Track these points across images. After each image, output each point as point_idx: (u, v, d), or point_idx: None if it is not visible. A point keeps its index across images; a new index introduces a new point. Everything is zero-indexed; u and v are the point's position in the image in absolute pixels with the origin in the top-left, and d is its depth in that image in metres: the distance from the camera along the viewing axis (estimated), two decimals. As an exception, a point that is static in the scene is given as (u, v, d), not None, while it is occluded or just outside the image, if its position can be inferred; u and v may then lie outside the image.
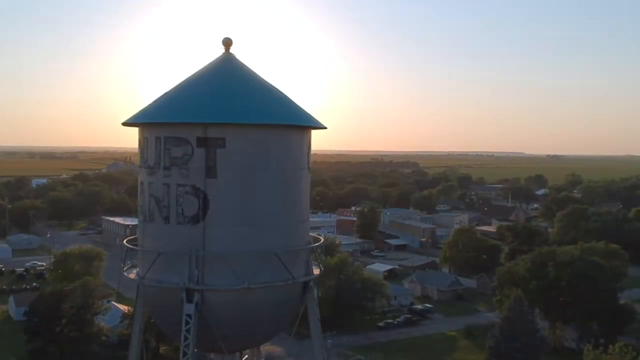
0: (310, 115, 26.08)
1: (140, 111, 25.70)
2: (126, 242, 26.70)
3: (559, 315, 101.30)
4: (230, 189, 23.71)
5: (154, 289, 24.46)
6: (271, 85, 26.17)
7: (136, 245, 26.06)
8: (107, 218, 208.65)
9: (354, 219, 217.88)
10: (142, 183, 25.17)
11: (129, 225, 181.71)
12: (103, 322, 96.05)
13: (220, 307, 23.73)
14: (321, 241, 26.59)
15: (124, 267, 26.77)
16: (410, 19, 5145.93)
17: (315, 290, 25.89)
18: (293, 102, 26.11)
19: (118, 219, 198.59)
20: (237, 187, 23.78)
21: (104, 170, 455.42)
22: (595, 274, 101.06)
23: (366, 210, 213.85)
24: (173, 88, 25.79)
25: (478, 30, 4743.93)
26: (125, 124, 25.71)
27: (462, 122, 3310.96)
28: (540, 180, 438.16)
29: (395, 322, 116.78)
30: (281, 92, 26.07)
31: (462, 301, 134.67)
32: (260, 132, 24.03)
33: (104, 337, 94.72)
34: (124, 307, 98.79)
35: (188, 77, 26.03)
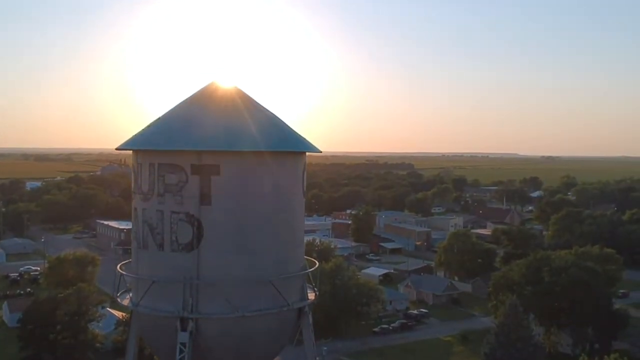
0: (304, 139, 25.91)
1: (134, 136, 25.51)
2: (120, 267, 26.44)
3: (554, 320, 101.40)
4: (224, 216, 23.49)
5: (147, 316, 24.25)
6: (266, 109, 25.97)
7: (130, 269, 25.78)
8: (102, 222, 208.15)
9: (349, 222, 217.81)
10: (135, 209, 24.90)
11: (124, 229, 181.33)
12: (97, 328, 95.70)
13: (215, 335, 23.51)
14: (316, 265, 26.38)
15: (117, 293, 26.56)
16: (406, 20, 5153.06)
17: (310, 316, 25.68)
18: (287, 126, 25.95)
19: (112, 223, 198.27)
20: (232, 215, 23.57)
21: (98, 173, 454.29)
22: (590, 280, 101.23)
23: (361, 213, 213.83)
24: (167, 113, 25.57)
25: (473, 32, 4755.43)
26: (119, 149, 25.53)
27: (457, 123, 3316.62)
28: (535, 182, 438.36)
29: (391, 327, 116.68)
30: (276, 117, 25.92)
31: (457, 305, 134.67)
32: (255, 159, 23.82)
33: (98, 344, 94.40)
34: (118, 314, 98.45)
35: (182, 102, 25.82)
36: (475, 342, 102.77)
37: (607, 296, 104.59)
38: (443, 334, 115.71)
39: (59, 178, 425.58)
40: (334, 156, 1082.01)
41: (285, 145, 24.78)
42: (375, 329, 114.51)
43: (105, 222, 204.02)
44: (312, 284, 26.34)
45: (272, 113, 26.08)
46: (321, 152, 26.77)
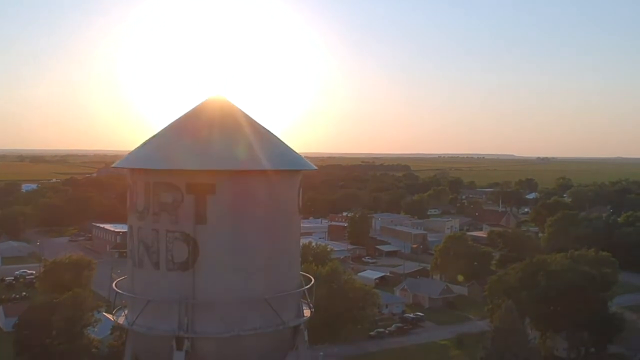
0: (300, 157, 25.96)
1: (129, 154, 25.61)
2: (115, 284, 26.45)
3: (550, 324, 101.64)
4: (220, 235, 23.52)
5: (143, 334, 24.27)
6: (261, 126, 26.00)
7: (126, 286, 25.75)
8: (98, 225, 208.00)
9: (346, 224, 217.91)
10: (131, 227, 24.93)
11: (120, 232, 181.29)
12: (93, 333, 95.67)
13: (211, 353, 23.52)
14: (312, 282, 26.44)
15: (113, 310, 26.61)
16: (402, 21, 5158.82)
17: (305, 333, 25.75)
18: (283, 143, 25.99)
19: (108, 226, 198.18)
20: (227, 234, 23.59)
21: (94, 175, 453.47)
22: (586, 284, 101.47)
23: (357, 215, 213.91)
24: (162, 131, 25.59)
25: (469, 33, 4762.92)
26: (114, 167, 25.65)
27: (453, 124, 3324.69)
28: (530, 184, 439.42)
29: (387, 331, 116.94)
30: (271, 134, 25.96)
31: (453, 309, 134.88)
32: (251, 178, 23.86)
33: (94, 349, 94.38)
34: (114, 319, 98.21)
35: (177, 119, 25.85)
36: (472, 346, 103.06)
37: (603, 300, 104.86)
38: (439, 337, 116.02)
39: (54, 180, 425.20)
40: (330, 157, 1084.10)
41: (281, 163, 24.77)
42: (372, 333, 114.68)
43: (101, 225, 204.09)
44: (307, 300, 26.39)
45: (267, 130, 26.11)
46: (316, 169, 26.82)
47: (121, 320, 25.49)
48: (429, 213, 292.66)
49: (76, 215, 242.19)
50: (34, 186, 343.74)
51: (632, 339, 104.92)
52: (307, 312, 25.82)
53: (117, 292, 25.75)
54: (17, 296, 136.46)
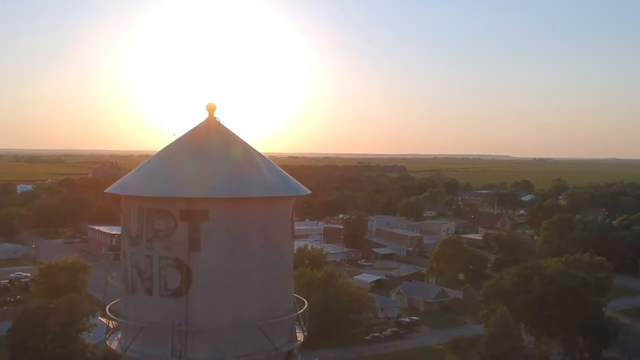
0: (294, 181, 25.97)
1: (122, 179, 25.63)
2: (109, 308, 26.46)
3: (545, 329, 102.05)
4: (213, 262, 23.53)
5: (136, 360, 24.32)
6: (256, 151, 25.98)
7: (119, 310, 25.82)
8: (93, 227, 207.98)
9: (341, 227, 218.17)
10: (124, 252, 24.94)
11: (115, 234, 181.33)
12: (88, 338, 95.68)
13: (203, 380, 23.54)
14: (305, 306, 26.47)
15: (107, 335, 26.63)
16: (398, 20, 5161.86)
17: (299, 356, 25.81)
18: (278, 168, 25.99)
19: (104, 228, 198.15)
20: (221, 260, 23.60)
21: (90, 175, 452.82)
22: (581, 289, 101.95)
23: (353, 217, 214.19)
24: (155, 156, 25.61)
25: (466, 33, 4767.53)
26: (107, 193, 25.65)
27: (450, 125, 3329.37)
28: (526, 186, 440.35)
29: (382, 336, 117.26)
30: (265, 159, 25.99)
31: (448, 313, 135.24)
32: (245, 205, 23.86)
33: (89, 354, 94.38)
34: (110, 324, 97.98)
35: (170, 144, 25.84)
36: (467, 350, 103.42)
37: (598, 305, 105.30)
38: (434, 341, 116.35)
39: (50, 180, 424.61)
40: (326, 158, 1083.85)
41: (275, 190, 24.76)
42: (367, 337, 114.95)
43: (97, 227, 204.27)
44: (301, 323, 26.44)
45: (261, 155, 26.12)
46: (310, 192, 26.91)
47: (114, 345, 25.49)
48: (424, 215, 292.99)
49: (71, 217, 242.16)
50: (29, 187, 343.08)
51: (627, 343, 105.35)
52: (300, 336, 25.85)
53: (110, 318, 25.79)
54: (12, 299, 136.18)
